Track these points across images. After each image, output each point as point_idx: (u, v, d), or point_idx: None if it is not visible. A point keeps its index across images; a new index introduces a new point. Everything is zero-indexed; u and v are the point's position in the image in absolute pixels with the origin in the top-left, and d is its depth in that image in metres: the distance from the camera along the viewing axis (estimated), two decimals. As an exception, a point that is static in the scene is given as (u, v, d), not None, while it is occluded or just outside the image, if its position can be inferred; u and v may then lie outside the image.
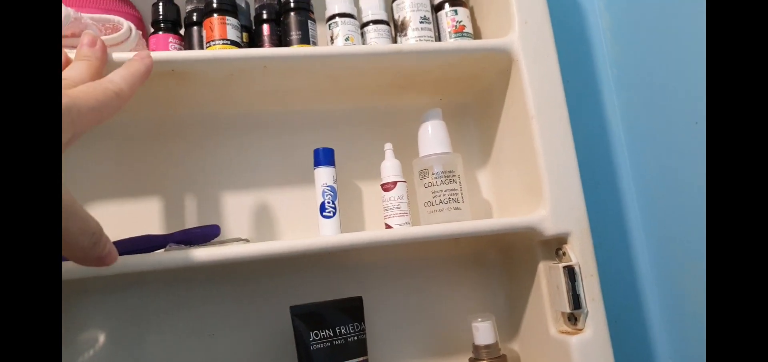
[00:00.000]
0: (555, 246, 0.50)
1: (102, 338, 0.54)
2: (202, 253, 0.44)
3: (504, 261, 0.61)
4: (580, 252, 0.48)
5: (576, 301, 0.46)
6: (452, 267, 0.62)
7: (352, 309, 0.54)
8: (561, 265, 0.47)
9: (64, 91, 0.33)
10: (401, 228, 0.55)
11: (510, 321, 0.59)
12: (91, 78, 0.39)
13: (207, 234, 0.51)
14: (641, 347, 0.65)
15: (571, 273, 0.47)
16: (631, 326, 0.65)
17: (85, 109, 0.33)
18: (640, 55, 0.65)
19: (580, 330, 0.47)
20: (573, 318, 0.48)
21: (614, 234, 0.67)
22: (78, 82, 0.37)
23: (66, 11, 0.47)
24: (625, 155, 0.69)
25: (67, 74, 0.39)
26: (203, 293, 0.56)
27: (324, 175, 0.56)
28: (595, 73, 0.72)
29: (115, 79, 0.39)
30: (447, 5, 0.61)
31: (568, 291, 0.47)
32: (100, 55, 0.42)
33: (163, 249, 0.49)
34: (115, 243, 0.49)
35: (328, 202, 0.56)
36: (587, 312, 0.47)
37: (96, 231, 0.32)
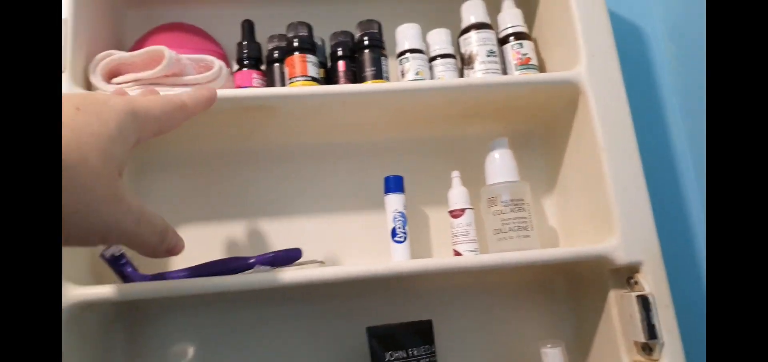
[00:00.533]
0: (626, 275, 0.50)
1: (191, 351, 0.58)
2: (286, 275, 0.48)
3: (572, 290, 0.62)
4: (653, 282, 0.48)
5: (651, 331, 0.47)
6: (520, 295, 0.63)
7: (423, 332, 0.56)
8: (634, 295, 0.48)
9: (130, 98, 0.36)
10: (471, 256, 0.57)
11: (579, 350, 0.59)
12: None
13: (290, 257, 0.54)
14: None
15: (645, 302, 0.47)
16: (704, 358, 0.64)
17: (149, 117, 0.36)
18: (704, 83, 0.65)
19: (656, 360, 0.47)
20: (648, 349, 0.48)
21: (685, 264, 0.67)
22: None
23: (168, 54, 0.52)
24: (693, 183, 0.69)
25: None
26: (283, 312, 0.59)
27: (394, 201, 0.59)
28: (660, 102, 0.72)
29: (182, 95, 0.41)
30: (512, 38, 0.63)
31: (642, 321, 0.47)
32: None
33: (250, 270, 0.53)
34: (208, 264, 0.54)
35: (399, 228, 0.58)
36: (663, 342, 0.47)
37: (162, 228, 0.36)
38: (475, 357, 0.60)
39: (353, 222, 0.63)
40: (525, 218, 0.56)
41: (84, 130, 0.30)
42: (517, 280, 0.63)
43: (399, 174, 0.60)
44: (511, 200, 0.56)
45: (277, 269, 0.52)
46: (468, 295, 0.62)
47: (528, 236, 0.55)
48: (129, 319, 0.57)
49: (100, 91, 0.40)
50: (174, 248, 0.38)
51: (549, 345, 0.54)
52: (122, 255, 0.51)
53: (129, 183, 0.61)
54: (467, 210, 0.59)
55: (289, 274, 0.48)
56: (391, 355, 0.53)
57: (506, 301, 0.62)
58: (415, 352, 0.55)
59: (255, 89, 0.52)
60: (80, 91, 0.50)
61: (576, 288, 0.61)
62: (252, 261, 0.53)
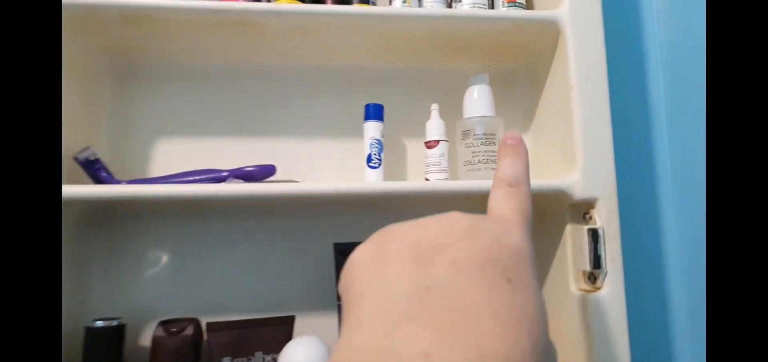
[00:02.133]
0: (583, 211, 0.53)
1: (166, 258, 0.61)
2: (258, 188, 0.51)
3: (534, 225, 0.64)
4: (606, 217, 0.51)
5: (597, 261, 0.49)
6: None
7: (389, 251, 0.60)
8: (586, 227, 0.51)
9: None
10: (440, 182, 0.59)
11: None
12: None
13: (264, 172, 0.57)
14: (659, 309, 0.67)
15: (594, 235, 0.50)
16: (650, 289, 0.67)
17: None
18: (690, 40, 0.66)
19: (599, 288, 0.50)
20: (593, 278, 0.51)
21: (640, 202, 0.69)
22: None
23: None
24: (663, 134, 0.70)
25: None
26: (256, 227, 0.62)
27: (372, 128, 0.61)
28: (644, 52, 0.72)
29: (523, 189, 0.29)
30: (501, -24, 0.63)
31: (590, 251, 0.50)
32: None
33: (224, 182, 0.55)
34: (182, 173, 0.56)
35: (375, 154, 0.61)
36: (606, 272, 0.50)
37: None
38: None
39: (331, 146, 0.65)
40: (495, 152, 0.58)
41: (522, 323, 0.20)
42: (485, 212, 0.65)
43: (380, 103, 0.62)
44: (484, 134, 0.58)
45: (249, 183, 0.55)
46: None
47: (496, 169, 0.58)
48: (106, 225, 0.60)
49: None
50: None
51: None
52: (97, 160, 0.54)
53: (113, 91, 0.63)
54: (442, 142, 0.61)
55: (259, 187, 0.51)
56: (356, 267, 0.57)
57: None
58: (379, 268, 0.58)
59: (240, 2, 0.53)
60: None
61: (538, 225, 0.63)
62: (225, 174, 0.56)
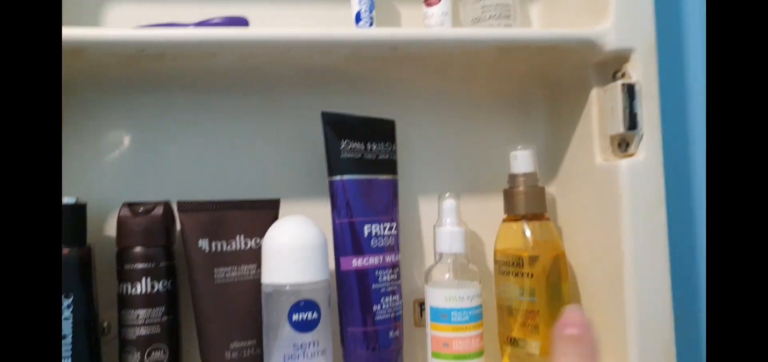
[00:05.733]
0: (613, 69, 0.45)
1: (127, 140, 0.53)
2: (226, 33, 0.42)
3: (550, 100, 0.57)
4: (642, 71, 0.44)
5: (632, 121, 0.42)
6: (492, 106, 0.58)
7: (384, 130, 0.52)
8: (620, 83, 0.43)
9: None
10: (441, 28, 0.51)
11: (551, 157, 0.56)
12: None
13: (234, 25, 0.48)
14: (698, 176, 0.60)
15: (630, 91, 0.43)
16: (687, 154, 0.60)
17: None
18: None
19: (632, 154, 0.44)
20: (624, 145, 0.44)
21: (678, 55, 0.60)
22: None
23: None
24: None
25: None
26: (226, 102, 0.54)
27: (363, -16, 0.52)
28: None
29: None
30: None
31: (624, 110, 0.43)
32: None
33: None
34: (143, 25, 0.47)
35: (365, 12, 0.52)
36: (642, 134, 0.43)
37: None
38: (437, 164, 0.57)
39: (316, 7, 0.56)
40: (508, 5, 0.50)
41: None
42: (490, 89, 0.57)
43: (371, -46, 0.52)
44: (496, -15, 0.50)
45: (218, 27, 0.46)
46: (435, 100, 0.57)
47: (510, 25, 0.50)
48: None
49: None
50: None
51: (519, 148, 0.50)
52: None
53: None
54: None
55: (228, 32, 0.42)
56: (347, 144, 0.49)
57: (477, 112, 0.57)
58: (373, 147, 0.51)
59: None
60: None
61: (554, 98, 0.56)
62: (190, 25, 0.47)
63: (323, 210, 0.50)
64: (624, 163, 0.43)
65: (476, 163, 0.57)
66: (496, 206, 0.53)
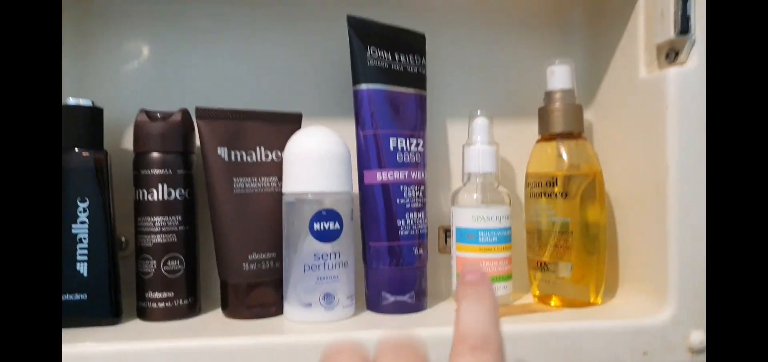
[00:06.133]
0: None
1: (146, 50, 0.51)
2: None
3: (590, 18, 0.53)
4: (695, -28, 0.40)
5: (685, 23, 0.39)
6: (529, 23, 0.54)
7: (414, 42, 0.49)
8: (672, -18, 0.40)
9: None
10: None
11: (591, 74, 0.53)
12: None
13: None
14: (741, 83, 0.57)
15: (683, -9, 0.39)
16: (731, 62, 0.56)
17: None
18: None
19: (682, 62, 0.40)
20: (673, 55, 0.41)
21: None
22: None
23: None
24: None
25: None
26: (249, 14, 0.51)
27: None
28: None
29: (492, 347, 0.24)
30: None
31: (676, 13, 0.39)
32: None
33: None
34: None
35: None
36: (694, 40, 0.39)
37: None
38: (468, 83, 0.54)
39: None
40: None
41: None
42: (528, 6, 0.54)
43: None
44: None
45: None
46: (469, 18, 0.54)
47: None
48: (77, 14, 0.49)
49: None
50: None
51: (557, 62, 0.47)
52: None
53: None
54: None
55: None
56: (374, 52, 0.46)
57: (513, 29, 0.54)
58: (402, 58, 0.48)
59: None
60: None
61: (595, 10, 0.52)
62: None
63: (346, 127, 0.47)
64: (672, 72, 0.40)
65: (509, 82, 0.54)
66: (529, 130, 0.50)
